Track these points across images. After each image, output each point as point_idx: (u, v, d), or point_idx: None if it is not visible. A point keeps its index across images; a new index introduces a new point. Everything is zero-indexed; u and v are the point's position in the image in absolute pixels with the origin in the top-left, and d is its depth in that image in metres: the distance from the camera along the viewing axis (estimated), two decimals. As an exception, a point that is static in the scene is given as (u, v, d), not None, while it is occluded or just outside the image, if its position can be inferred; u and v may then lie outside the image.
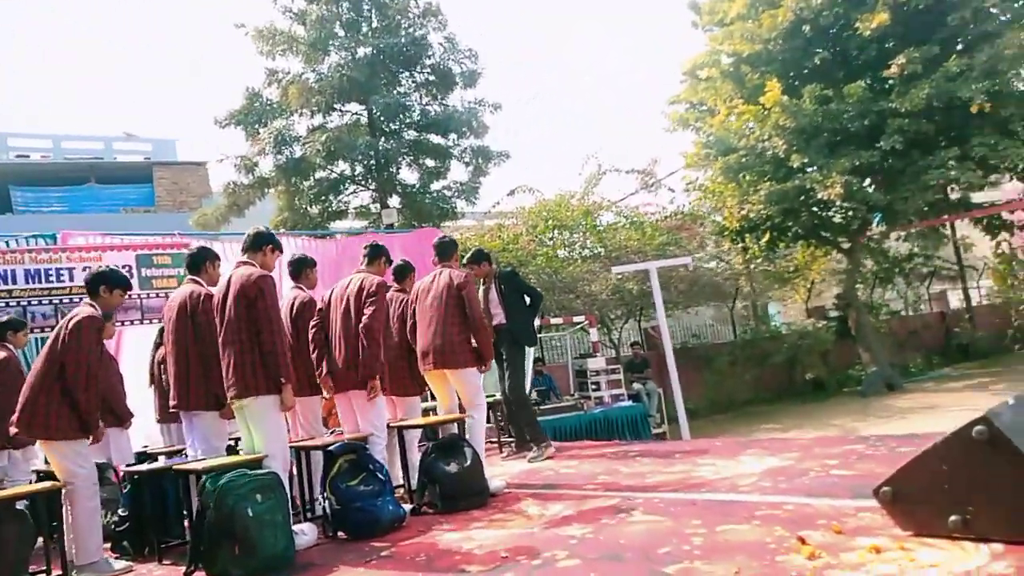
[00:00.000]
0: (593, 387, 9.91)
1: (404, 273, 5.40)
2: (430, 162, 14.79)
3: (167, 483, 4.34)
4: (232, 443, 4.69)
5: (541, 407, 8.64)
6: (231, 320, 3.86)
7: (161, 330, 5.58)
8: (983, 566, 2.14)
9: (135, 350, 6.77)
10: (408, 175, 14.92)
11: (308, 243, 8.59)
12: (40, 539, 3.87)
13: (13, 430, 3.89)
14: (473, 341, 4.93)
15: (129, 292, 4.34)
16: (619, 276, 12.96)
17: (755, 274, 17.24)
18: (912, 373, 16.98)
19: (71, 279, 6.65)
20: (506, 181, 58.16)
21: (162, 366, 5.45)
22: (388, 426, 4.72)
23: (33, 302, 6.48)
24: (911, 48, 12.65)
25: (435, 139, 14.60)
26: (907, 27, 13.25)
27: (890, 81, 13.07)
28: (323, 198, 14.43)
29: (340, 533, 3.97)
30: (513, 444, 6.43)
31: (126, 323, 6.81)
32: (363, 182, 14.74)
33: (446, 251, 5.22)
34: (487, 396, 5.57)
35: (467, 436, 4.66)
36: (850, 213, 14.24)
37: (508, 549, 3.21)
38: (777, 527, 2.89)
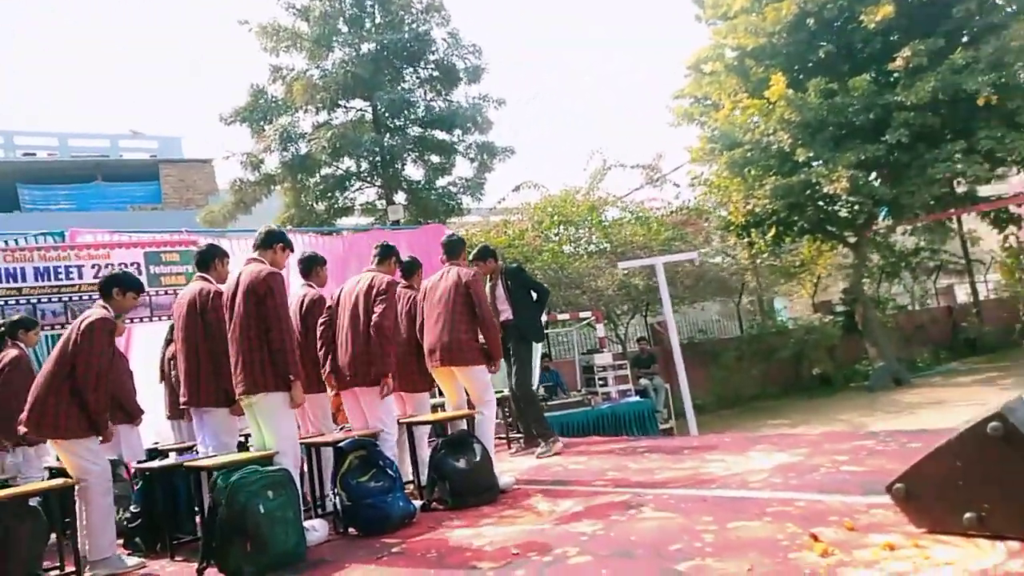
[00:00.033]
0: (600, 383, 9.91)
1: (412, 269, 5.40)
2: (435, 158, 14.80)
3: (178, 480, 4.37)
4: (243, 439, 4.70)
5: (548, 403, 8.65)
6: (240, 317, 3.87)
7: (172, 327, 5.60)
8: (1000, 564, 2.14)
9: (145, 347, 6.80)
10: (413, 171, 14.96)
11: (314, 240, 8.60)
12: (53, 536, 3.89)
13: (22, 429, 3.91)
14: (481, 339, 4.94)
15: (142, 294, 4.35)
16: (625, 272, 12.95)
17: (761, 269, 17.20)
18: (919, 368, 16.93)
19: (80, 277, 6.68)
20: (511, 177, 58.13)
21: (172, 363, 5.47)
22: (397, 422, 4.73)
23: (43, 300, 6.51)
24: (916, 41, 12.58)
25: (440, 135, 14.60)
26: (912, 19, 13.18)
27: (895, 74, 12.99)
28: (329, 195, 14.45)
29: (351, 529, 3.98)
30: (521, 440, 6.44)
31: (135, 320, 6.84)
32: (368, 178, 14.75)
33: (454, 249, 5.23)
34: (495, 392, 5.57)
35: (476, 432, 4.66)
36: (856, 207, 14.17)
37: (519, 545, 3.22)
38: (789, 524, 2.89)
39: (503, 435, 6.75)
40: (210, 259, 4.40)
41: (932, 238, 19.25)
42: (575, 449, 6.01)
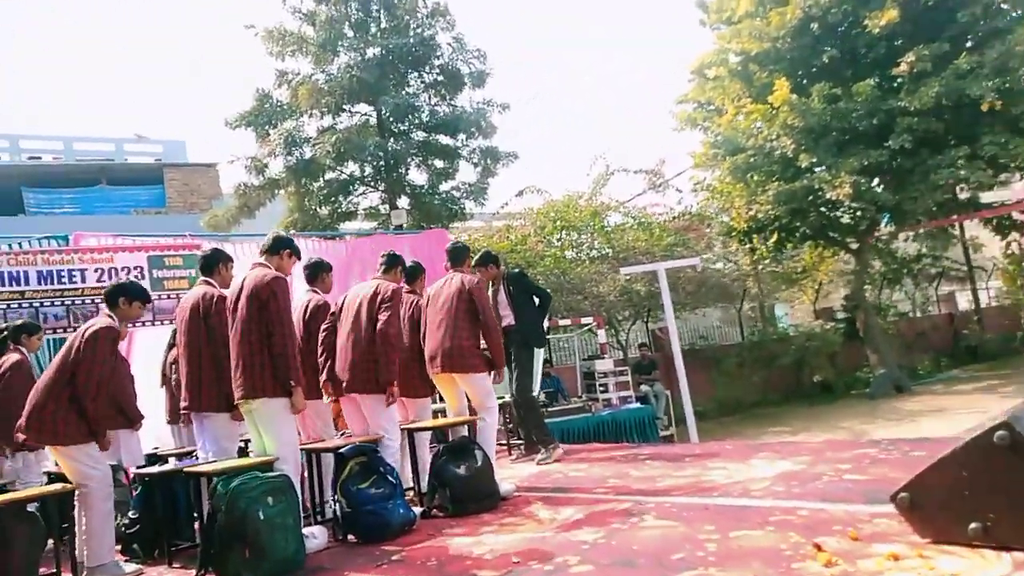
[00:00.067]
0: (601, 389, 9.87)
1: (415, 274, 5.39)
2: (439, 163, 14.81)
3: (178, 485, 4.35)
4: (243, 444, 4.69)
5: (549, 409, 8.62)
6: (243, 320, 3.86)
7: (175, 331, 5.59)
8: (1006, 575, 2.11)
9: (146, 351, 6.80)
10: (417, 176, 14.97)
11: (318, 244, 8.60)
12: (50, 541, 3.87)
13: (21, 437, 3.90)
14: (484, 345, 4.92)
15: (148, 305, 4.34)
16: (627, 277, 12.93)
17: (763, 275, 17.17)
18: (920, 375, 16.88)
19: (83, 280, 6.68)
20: (514, 181, 58.19)
21: (174, 367, 5.46)
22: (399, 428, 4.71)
23: (45, 303, 6.51)
24: (920, 46, 12.57)
25: (444, 140, 14.62)
26: (916, 24, 13.17)
27: (899, 79, 13.00)
28: (333, 199, 14.47)
29: (350, 536, 3.96)
30: (522, 447, 6.41)
31: (137, 324, 6.82)
32: (372, 183, 14.76)
33: (459, 256, 5.24)
34: (497, 398, 5.55)
35: (478, 439, 4.64)
36: (858, 213, 14.17)
37: (519, 554, 3.20)
38: (792, 533, 2.87)
39: (504, 441, 6.72)
40: (214, 263, 4.39)
41: (934, 245, 19.23)
42: (576, 456, 5.99)
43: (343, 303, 4.69)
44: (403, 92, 14.22)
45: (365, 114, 14.57)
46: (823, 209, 14.55)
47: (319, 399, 4.68)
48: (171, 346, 5.77)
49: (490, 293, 5.99)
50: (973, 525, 2.32)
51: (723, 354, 16.12)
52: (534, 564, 3.01)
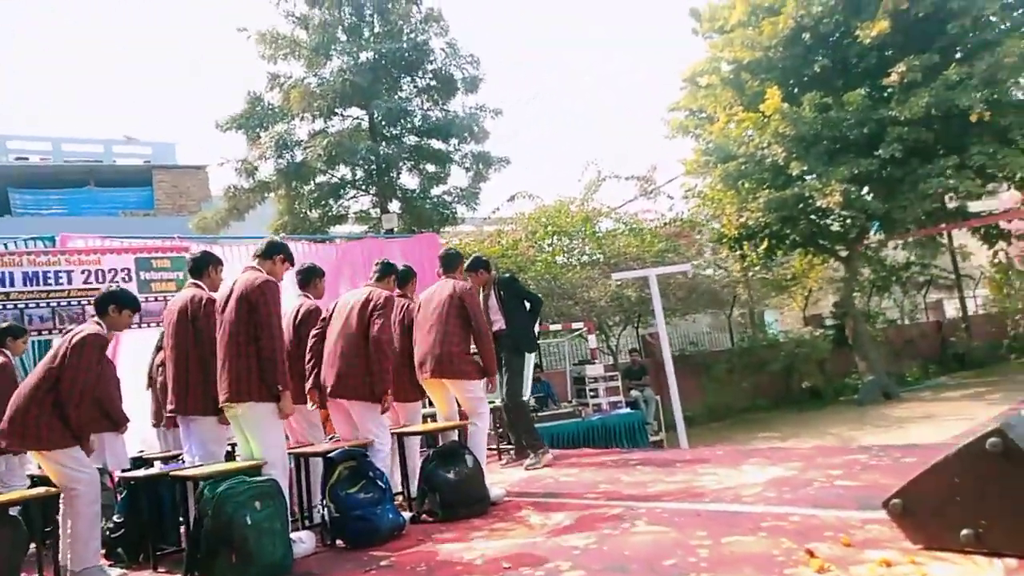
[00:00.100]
0: (591, 394, 9.88)
1: (406, 278, 5.37)
2: (431, 167, 14.78)
3: (163, 489, 4.30)
4: (230, 448, 4.64)
5: (539, 413, 8.60)
6: (231, 323, 3.83)
7: (163, 334, 5.54)
8: (998, 582, 2.11)
9: (133, 354, 6.72)
10: (409, 180, 14.92)
11: (308, 248, 8.54)
12: (32, 545, 3.81)
13: (2, 443, 3.84)
14: (474, 351, 4.91)
15: (138, 313, 4.30)
16: (618, 283, 12.94)
17: (753, 282, 17.24)
18: (908, 382, 16.98)
19: (70, 282, 6.60)
20: (506, 185, 58.23)
21: (161, 369, 5.40)
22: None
23: (31, 305, 6.42)
24: (911, 56, 12.66)
25: (436, 144, 14.59)
26: (907, 35, 13.28)
27: (890, 89, 13.07)
28: (323, 202, 14.40)
29: (339, 541, 3.92)
30: (512, 451, 6.39)
31: (123, 326, 6.75)
32: (364, 187, 14.71)
33: (451, 263, 5.23)
34: (488, 403, 5.53)
35: (468, 443, 4.62)
36: (848, 221, 14.24)
37: (510, 559, 3.17)
38: (784, 539, 2.86)
39: (494, 446, 6.70)
40: (204, 266, 4.35)
41: (923, 253, 19.37)
42: (566, 461, 5.97)
43: (334, 309, 4.66)
44: (396, 96, 14.18)
45: (357, 118, 14.52)
46: (813, 217, 14.62)
47: (306, 404, 4.65)
48: (159, 349, 5.71)
49: (481, 298, 5.97)
50: (965, 531, 2.32)
51: (713, 360, 16.16)
52: (525, 570, 2.98)
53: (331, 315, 4.65)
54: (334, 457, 4.02)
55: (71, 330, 4.03)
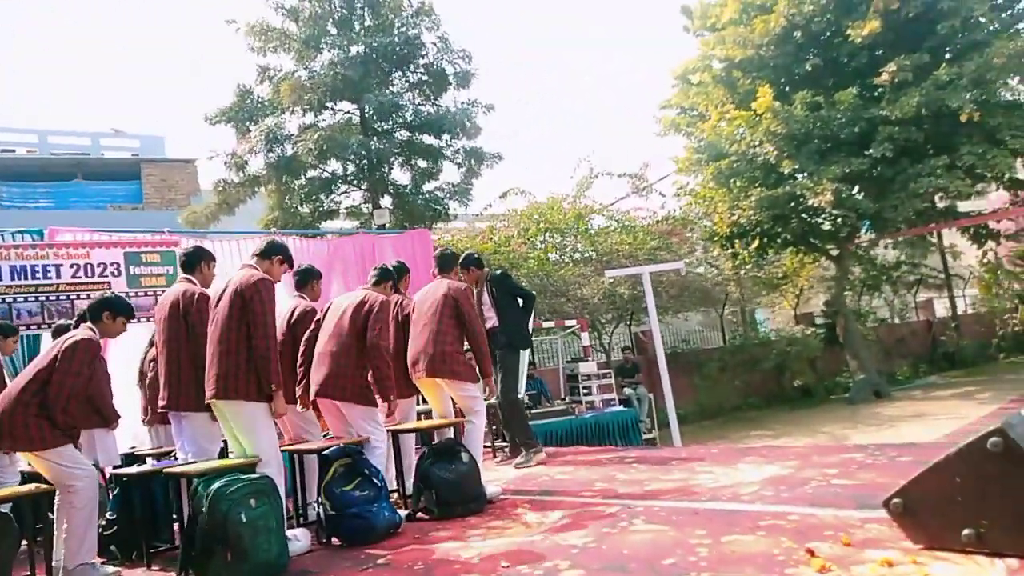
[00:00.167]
0: (584, 391, 9.85)
1: (400, 274, 5.33)
2: (422, 163, 14.70)
3: (156, 486, 4.25)
4: (224, 445, 4.60)
5: (532, 411, 8.58)
6: (223, 319, 3.79)
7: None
8: (1001, 582, 2.11)
9: (123, 349, 6.64)
10: (400, 175, 14.84)
11: (299, 243, 8.49)
12: (24, 543, 3.76)
13: None
14: (469, 354, 4.89)
15: (131, 321, 4.25)
16: (611, 280, 12.94)
17: (744, 280, 17.30)
18: (899, 381, 17.10)
19: (58, 276, 6.52)
20: (501, 182, 58.23)
21: (152, 365, 5.35)
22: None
23: (19, 299, 6.34)
24: (902, 56, 12.74)
25: (428, 140, 14.51)
26: (898, 35, 13.34)
27: (881, 89, 13.14)
28: (314, 197, 14.31)
29: (334, 539, 3.89)
30: (507, 449, 6.37)
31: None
32: (355, 182, 14.62)
33: (446, 263, 5.21)
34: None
35: (465, 441, 4.60)
36: (839, 220, 14.31)
37: (508, 557, 3.16)
38: (783, 538, 2.85)
39: (488, 444, 6.68)
40: (196, 261, 4.31)
41: (913, 252, 19.51)
42: (561, 459, 5.96)
43: (327, 310, 4.63)
44: (387, 91, 14.10)
45: (348, 112, 14.43)
46: (804, 215, 14.69)
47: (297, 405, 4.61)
48: (153, 344, 5.65)
49: (473, 295, 5.95)
50: (966, 531, 2.32)
51: (705, 358, 16.21)
52: (523, 568, 2.96)
53: (324, 316, 4.62)
54: (329, 454, 3.99)
55: (60, 324, 3.98)
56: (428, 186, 14.68)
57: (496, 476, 5.34)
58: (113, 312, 4.04)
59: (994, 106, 12.78)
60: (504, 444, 6.48)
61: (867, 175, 13.46)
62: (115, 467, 4.82)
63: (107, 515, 4.28)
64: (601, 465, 5.39)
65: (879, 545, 2.59)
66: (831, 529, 2.88)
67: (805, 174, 13.51)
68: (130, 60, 76.49)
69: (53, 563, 3.69)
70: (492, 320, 5.97)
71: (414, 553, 3.49)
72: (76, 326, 4.35)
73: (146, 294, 6.87)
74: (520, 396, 6.44)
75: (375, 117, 14.05)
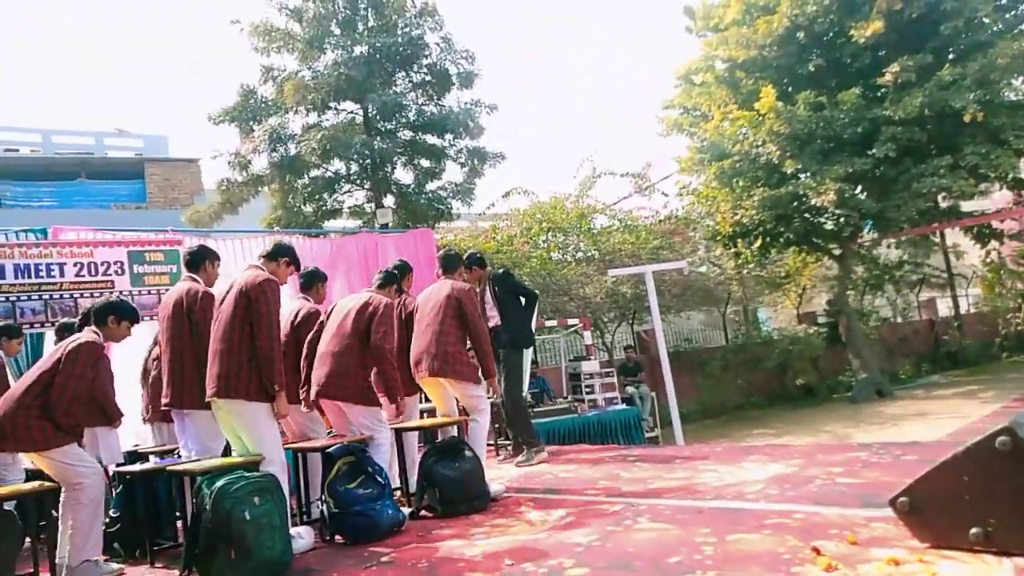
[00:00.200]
0: (587, 390, 9.85)
1: (403, 273, 5.33)
2: (425, 162, 14.70)
3: (159, 484, 4.26)
4: (228, 443, 4.60)
5: (535, 409, 8.58)
6: (227, 318, 3.80)
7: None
8: (1009, 580, 2.10)
9: (126, 347, 6.63)
10: (403, 175, 14.84)
11: (302, 242, 8.49)
12: (27, 540, 3.77)
13: None
14: (469, 349, 4.89)
15: (136, 325, 4.25)
16: (613, 279, 12.93)
17: (747, 279, 17.28)
18: (901, 380, 17.07)
19: (61, 274, 6.52)
20: (503, 181, 58.27)
21: (156, 363, 5.35)
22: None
23: (23, 297, 6.34)
24: (905, 57, 12.71)
25: (431, 139, 14.51)
26: (901, 35, 13.31)
27: (884, 89, 13.12)
28: (317, 197, 14.31)
29: (338, 537, 3.89)
30: (510, 447, 6.37)
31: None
32: (358, 181, 14.63)
33: (451, 264, 5.22)
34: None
35: (468, 439, 4.59)
36: (842, 220, 14.28)
37: (512, 555, 3.15)
38: (789, 536, 2.85)
39: (491, 442, 6.68)
40: (200, 260, 4.31)
41: (916, 252, 19.47)
42: (564, 457, 5.95)
43: (331, 311, 4.63)
44: (390, 91, 14.09)
45: (351, 112, 14.43)
46: (807, 215, 14.67)
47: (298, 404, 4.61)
48: (157, 342, 5.65)
49: (477, 295, 5.94)
50: (974, 530, 2.31)
51: (707, 357, 16.20)
52: (528, 566, 2.96)
53: (327, 317, 4.62)
54: (333, 452, 3.99)
55: (63, 323, 3.98)
56: (431, 186, 14.68)
57: (499, 474, 5.33)
58: (118, 316, 4.05)
59: (998, 106, 12.75)
60: (507, 442, 6.48)
61: (870, 175, 13.44)
62: (118, 465, 4.82)
63: (110, 513, 4.28)
64: (604, 463, 5.38)
65: (885, 544, 2.58)
66: (837, 528, 2.87)
67: (808, 174, 13.49)
68: (134, 60, 76.59)
69: (56, 560, 3.69)
70: (495, 319, 5.97)
71: (418, 551, 3.49)
72: (80, 326, 4.36)
73: (149, 293, 6.87)
74: (524, 395, 6.45)
75: (378, 117, 14.05)
